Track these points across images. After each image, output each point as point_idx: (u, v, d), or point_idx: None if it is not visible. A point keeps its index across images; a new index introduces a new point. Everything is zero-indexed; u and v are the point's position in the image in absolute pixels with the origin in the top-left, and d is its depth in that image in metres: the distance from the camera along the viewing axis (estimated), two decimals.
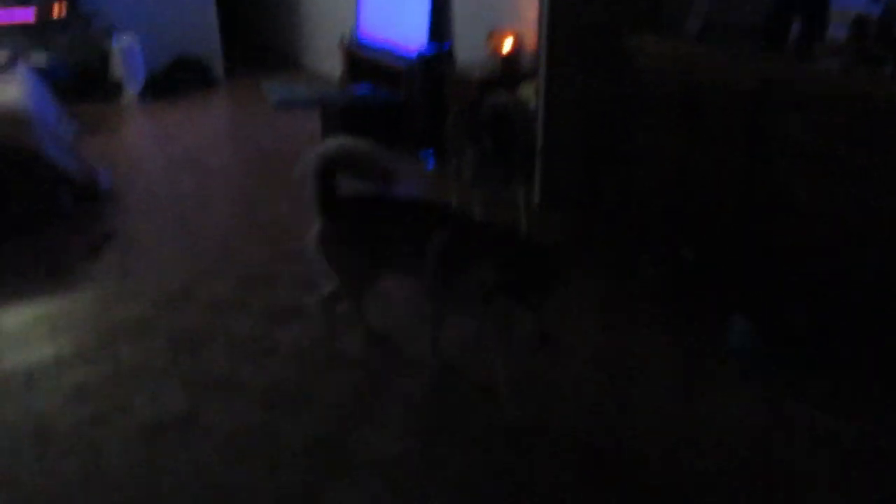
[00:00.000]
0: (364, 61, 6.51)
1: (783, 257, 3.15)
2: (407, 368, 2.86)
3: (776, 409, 2.60)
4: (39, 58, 6.84)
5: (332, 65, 7.76)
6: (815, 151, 2.90)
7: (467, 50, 5.57)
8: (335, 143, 2.71)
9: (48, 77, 6.30)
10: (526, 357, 2.80)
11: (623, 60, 3.77)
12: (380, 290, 3.11)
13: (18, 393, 2.73)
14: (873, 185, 2.69)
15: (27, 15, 6.95)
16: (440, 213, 2.69)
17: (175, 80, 7.69)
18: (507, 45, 5.00)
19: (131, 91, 7.31)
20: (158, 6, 7.70)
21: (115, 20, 7.32)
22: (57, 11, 7.05)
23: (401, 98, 5.71)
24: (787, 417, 2.56)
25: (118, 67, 7.24)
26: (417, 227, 2.58)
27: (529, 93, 4.50)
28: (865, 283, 2.81)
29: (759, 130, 3.11)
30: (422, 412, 2.62)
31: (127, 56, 7.19)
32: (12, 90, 4.87)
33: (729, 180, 3.34)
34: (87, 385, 2.77)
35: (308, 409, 2.63)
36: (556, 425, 2.52)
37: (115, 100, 7.27)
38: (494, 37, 5.12)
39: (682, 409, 2.61)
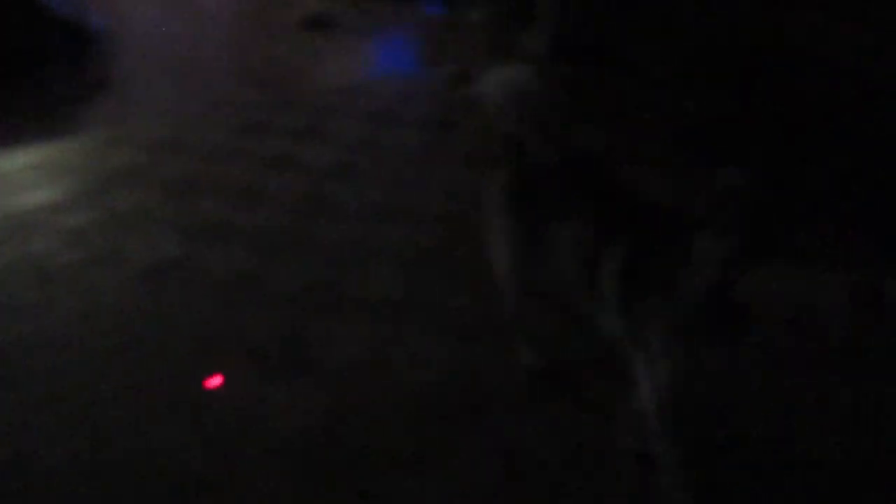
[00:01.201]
0: None
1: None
2: (401, 217, 2.88)
3: None
4: None
5: None
6: None
7: None
8: None
9: None
10: None
11: None
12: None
13: (15, 236, 2.78)
14: None
15: None
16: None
17: None
18: None
19: None
20: None
21: None
22: None
23: None
24: None
25: None
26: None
27: None
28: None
29: None
30: (416, 264, 2.66)
31: None
32: None
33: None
34: (82, 229, 2.81)
35: (300, 254, 2.67)
36: None
37: None
38: None
39: None
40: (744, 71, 3.43)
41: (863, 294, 2.26)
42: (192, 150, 3.36)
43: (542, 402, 2.05)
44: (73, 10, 4.49)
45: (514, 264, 1.98)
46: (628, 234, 1.61)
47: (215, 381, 2.12)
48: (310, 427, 1.98)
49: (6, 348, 2.22)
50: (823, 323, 2.01)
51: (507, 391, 2.09)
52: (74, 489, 1.80)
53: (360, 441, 1.95)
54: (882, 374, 2.13)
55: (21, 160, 3.30)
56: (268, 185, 3.09)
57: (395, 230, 2.81)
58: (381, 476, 1.85)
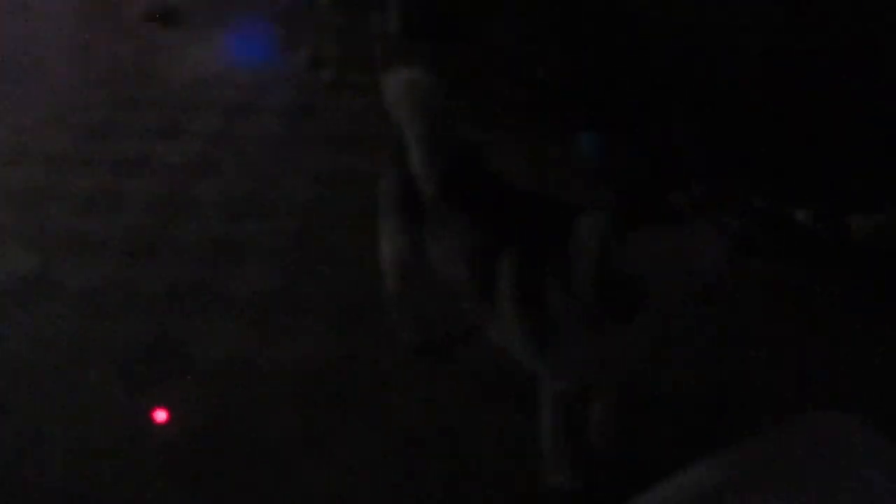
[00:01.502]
0: None
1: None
2: (269, 209, 2.85)
3: None
4: None
5: None
6: None
7: None
8: None
9: None
10: None
11: None
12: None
13: None
14: None
15: None
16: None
17: None
18: None
19: None
20: None
21: None
22: None
23: None
24: None
25: None
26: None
27: None
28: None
29: None
30: (287, 254, 2.64)
31: None
32: None
33: None
34: None
35: (164, 257, 2.60)
36: None
37: None
38: None
39: None
40: (591, 35, 3.58)
41: (736, 239, 2.46)
42: (35, 157, 3.17)
43: (423, 379, 2.11)
44: None
45: (399, 263, 2.00)
46: (518, 236, 1.58)
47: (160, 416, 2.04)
48: (192, 428, 1.96)
49: None
50: (697, 268, 2.13)
51: (389, 370, 2.14)
52: None
53: (245, 434, 1.95)
54: (748, 310, 2.33)
55: None
56: (123, 189, 2.97)
57: (264, 223, 2.78)
58: (270, 464, 1.86)
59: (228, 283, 2.47)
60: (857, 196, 2.68)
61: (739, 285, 2.27)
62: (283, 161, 3.17)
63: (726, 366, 2.14)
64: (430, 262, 1.85)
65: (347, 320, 2.31)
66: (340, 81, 3.87)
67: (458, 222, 1.72)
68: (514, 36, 3.90)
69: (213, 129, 3.44)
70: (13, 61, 4.07)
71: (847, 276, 2.48)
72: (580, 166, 3.04)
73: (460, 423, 1.98)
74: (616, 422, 1.83)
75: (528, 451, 1.82)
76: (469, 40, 4.10)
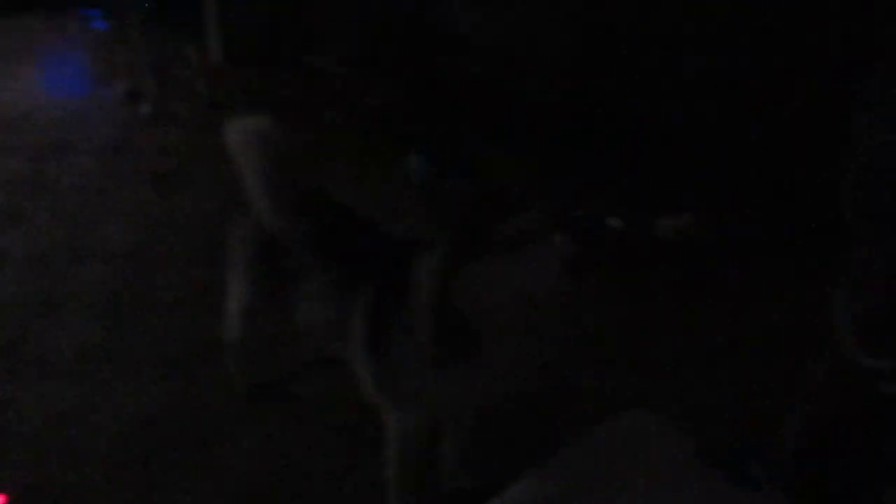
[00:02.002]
0: None
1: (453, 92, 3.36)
2: (86, 259, 2.68)
3: None
4: None
5: None
6: None
7: None
8: None
9: None
10: None
11: None
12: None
13: None
14: None
15: None
16: None
17: None
18: None
19: None
20: None
21: None
22: None
23: None
24: None
25: None
26: None
27: None
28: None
29: None
30: (106, 304, 2.49)
31: None
32: None
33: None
34: None
35: None
36: None
37: None
38: None
39: None
40: (414, 61, 3.67)
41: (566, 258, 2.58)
42: None
43: (257, 422, 2.07)
44: None
45: (248, 312, 1.94)
46: (368, 276, 1.57)
47: None
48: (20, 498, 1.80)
49: None
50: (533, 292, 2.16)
51: (223, 417, 2.07)
52: None
53: (77, 497, 1.82)
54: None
55: None
56: None
57: (80, 273, 2.61)
58: None
59: (45, 340, 2.30)
60: (663, 200, 2.93)
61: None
62: (99, 204, 2.99)
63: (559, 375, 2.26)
64: (284, 306, 1.80)
65: (175, 369, 2.22)
66: (159, 115, 3.71)
67: (312, 266, 1.70)
68: (340, 62, 3.93)
69: (19, 173, 3.19)
70: None
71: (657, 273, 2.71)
72: (413, 194, 3.10)
73: (301, 464, 1.95)
74: (469, 453, 1.86)
75: (374, 487, 1.82)
76: (295, 68, 4.08)
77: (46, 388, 2.14)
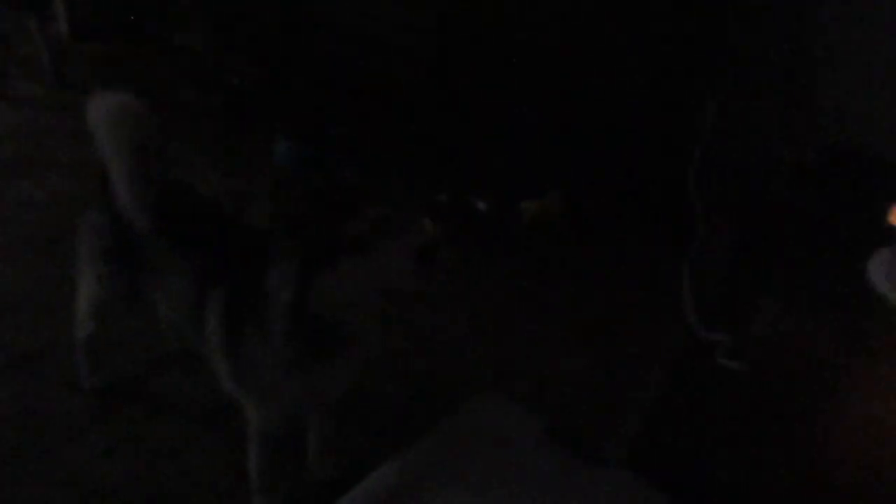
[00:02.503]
0: None
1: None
2: None
3: None
4: None
5: None
6: None
7: None
8: None
9: None
10: None
11: None
12: None
13: None
14: None
15: None
16: None
17: None
18: None
19: None
20: None
21: None
22: None
23: None
24: None
25: None
26: None
27: None
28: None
29: None
30: None
31: None
32: None
33: None
34: None
35: None
36: None
37: None
38: None
39: None
40: (279, 41, 3.57)
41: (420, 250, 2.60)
42: None
43: (109, 422, 1.96)
44: None
45: (100, 307, 1.83)
46: (228, 271, 1.51)
47: None
48: None
49: None
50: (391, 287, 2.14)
51: (69, 418, 1.95)
52: None
53: None
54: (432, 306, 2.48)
55: None
56: None
57: None
58: None
59: None
60: (526, 185, 3.02)
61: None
62: None
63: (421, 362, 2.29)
64: (138, 300, 1.73)
65: (18, 369, 2.06)
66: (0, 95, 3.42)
67: (169, 258, 1.61)
68: (199, 38, 3.76)
69: None
70: None
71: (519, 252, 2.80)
72: (276, 185, 3.02)
73: (158, 464, 1.87)
74: (334, 445, 1.85)
75: (237, 480, 1.77)
76: (149, 43, 3.86)
77: None
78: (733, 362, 1.54)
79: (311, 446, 1.84)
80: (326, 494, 1.29)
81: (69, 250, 1.83)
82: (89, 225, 1.73)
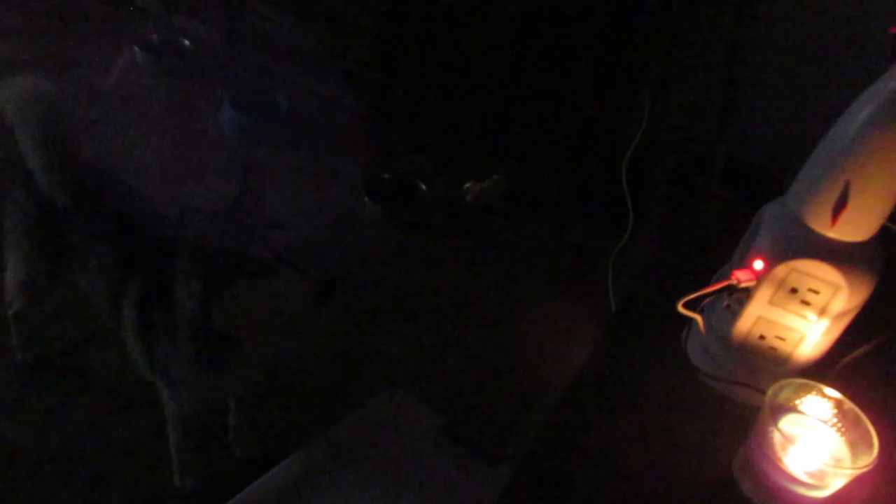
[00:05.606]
0: None
1: None
2: None
3: None
4: None
5: None
6: None
7: None
8: None
9: None
10: None
11: None
12: None
13: None
14: None
15: None
16: None
17: None
18: None
19: None
20: None
21: None
22: None
23: None
24: None
25: None
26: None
27: None
28: None
29: None
30: None
31: None
32: None
33: None
34: None
35: None
36: None
37: None
38: None
39: None
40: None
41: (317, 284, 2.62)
42: None
43: (40, 396, 2.03)
44: None
45: (29, 286, 1.87)
46: (142, 262, 1.56)
47: None
48: None
49: None
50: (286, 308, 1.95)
51: (4, 390, 2.01)
52: None
53: None
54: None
55: None
56: None
57: None
58: None
59: None
60: (471, 167, 3.05)
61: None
62: None
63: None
64: (64, 279, 1.78)
65: None
66: None
67: (90, 240, 1.65)
68: None
69: None
70: None
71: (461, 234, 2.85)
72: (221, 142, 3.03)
73: (89, 437, 1.95)
74: (249, 426, 1.94)
75: (162, 456, 1.84)
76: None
77: None
78: None
79: (231, 426, 1.92)
80: (248, 472, 1.36)
81: None
82: (14, 202, 1.75)
